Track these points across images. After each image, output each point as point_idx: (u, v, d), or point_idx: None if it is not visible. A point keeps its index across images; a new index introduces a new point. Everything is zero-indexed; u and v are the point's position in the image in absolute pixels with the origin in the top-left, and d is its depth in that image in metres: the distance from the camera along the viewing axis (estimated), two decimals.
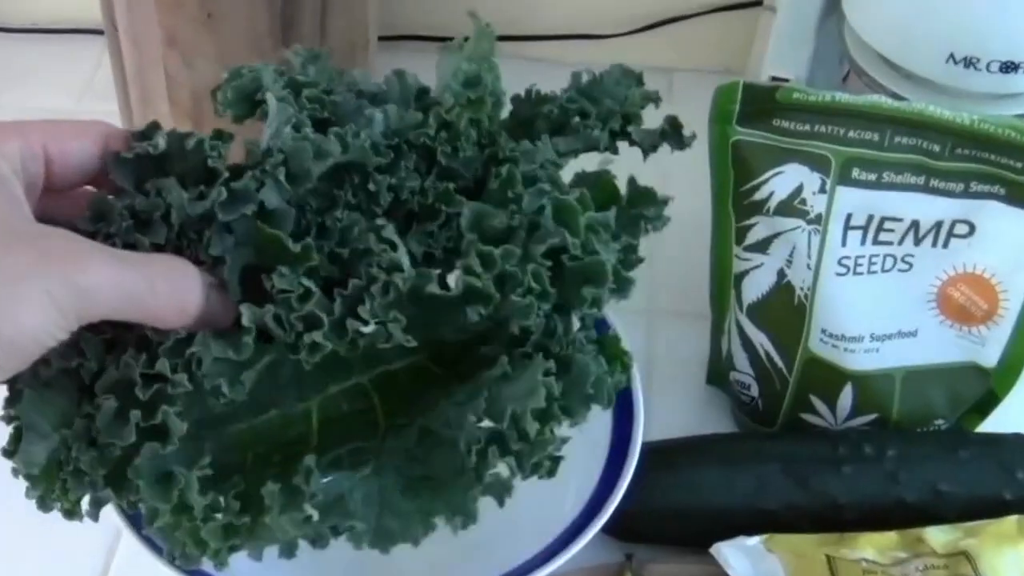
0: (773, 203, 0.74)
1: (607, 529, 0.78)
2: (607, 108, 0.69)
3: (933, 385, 0.80)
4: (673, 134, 0.70)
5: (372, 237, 0.58)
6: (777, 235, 0.76)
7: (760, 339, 0.80)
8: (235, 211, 0.56)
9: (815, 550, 0.74)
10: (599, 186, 0.64)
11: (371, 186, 0.60)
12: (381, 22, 0.97)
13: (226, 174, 0.57)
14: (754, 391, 0.83)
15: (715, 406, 0.89)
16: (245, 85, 0.63)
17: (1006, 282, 0.74)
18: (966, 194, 0.71)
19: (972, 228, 0.72)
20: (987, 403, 0.81)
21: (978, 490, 0.77)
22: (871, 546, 0.74)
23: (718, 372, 0.87)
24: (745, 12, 1.03)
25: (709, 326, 0.85)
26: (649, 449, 0.79)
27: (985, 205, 0.72)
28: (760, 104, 0.72)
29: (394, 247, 0.57)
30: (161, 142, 0.58)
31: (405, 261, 0.57)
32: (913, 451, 0.78)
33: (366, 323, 0.55)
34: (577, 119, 0.68)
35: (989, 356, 0.78)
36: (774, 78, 0.86)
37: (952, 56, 0.74)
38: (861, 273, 0.75)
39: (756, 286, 0.78)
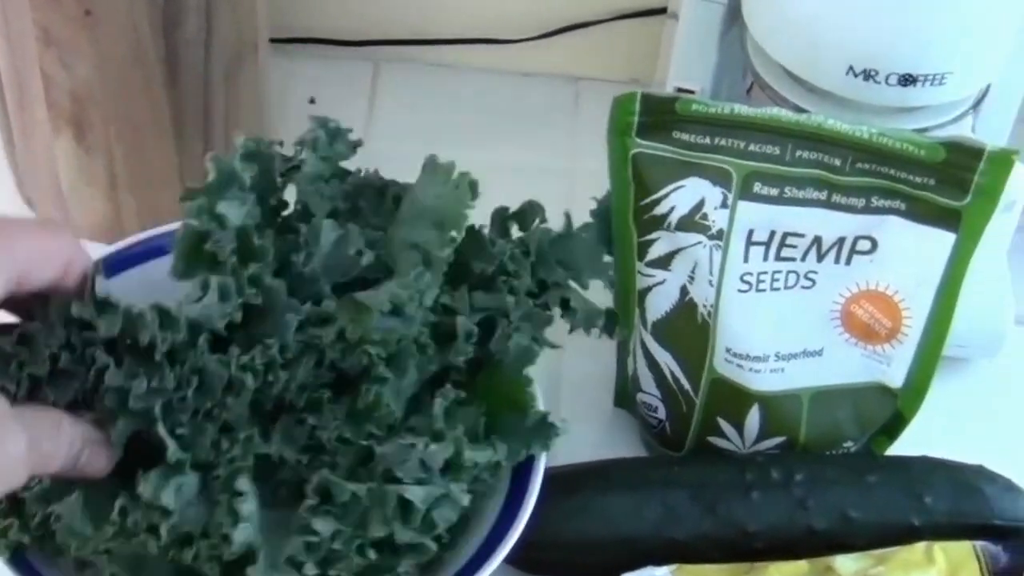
0: (674, 218, 0.72)
1: (512, 560, 0.76)
2: (554, 280, 0.73)
3: (840, 406, 0.78)
4: (608, 325, 0.74)
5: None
6: (679, 251, 0.73)
7: (665, 358, 0.78)
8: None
9: None
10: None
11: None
12: (272, 23, 0.93)
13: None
14: (661, 413, 0.81)
15: (624, 429, 0.86)
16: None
17: (909, 300, 0.72)
18: (868, 209, 0.70)
19: (874, 244, 0.71)
20: (895, 425, 0.79)
21: (887, 516, 0.75)
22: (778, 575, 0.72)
23: (625, 394, 0.84)
24: (650, 20, 1.00)
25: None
26: (553, 475, 0.77)
27: (886, 220, 0.70)
28: (660, 116, 0.70)
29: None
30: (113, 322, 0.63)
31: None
32: (821, 475, 0.76)
33: None
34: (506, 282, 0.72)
35: (895, 376, 0.76)
36: (679, 89, 0.83)
37: (852, 68, 0.71)
38: (764, 290, 0.72)
39: (659, 303, 0.76)
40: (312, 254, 0.69)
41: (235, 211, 0.67)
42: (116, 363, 0.63)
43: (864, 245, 0.71)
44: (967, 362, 0.89)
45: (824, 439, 0.79)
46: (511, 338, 0.70)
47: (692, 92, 0.83)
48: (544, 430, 0.70)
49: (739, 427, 0.78)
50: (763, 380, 0.75)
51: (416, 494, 0.64)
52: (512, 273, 0.72)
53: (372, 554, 0.65)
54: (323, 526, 0.63)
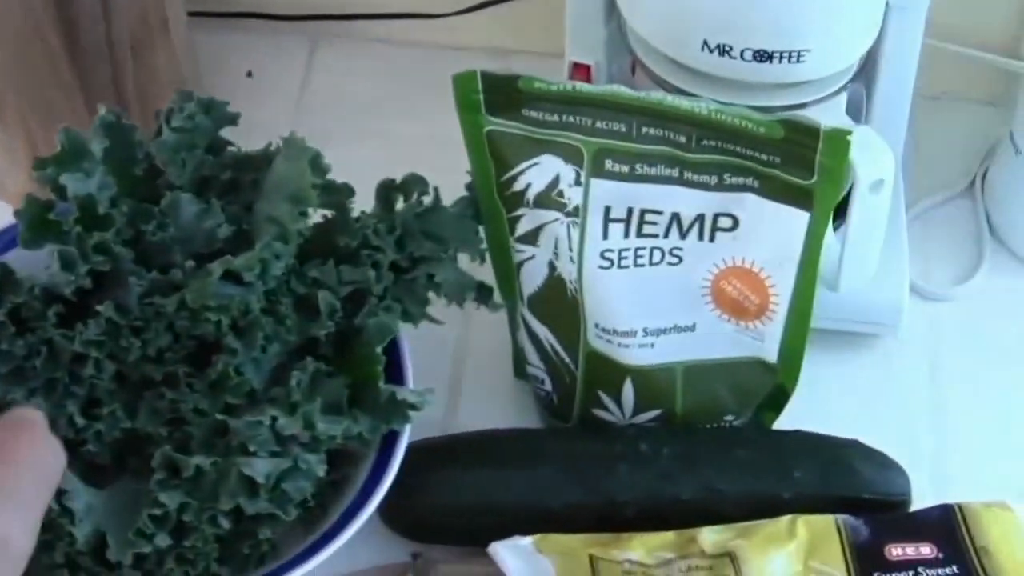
0: (531, 195, 0.73)
1: (395, 527, 0.77)
2: (420, 253, 0.74)
3: (717, 380, 0.78)
4: (483, 296, 0.76)
5: None
6: (542, 227, 0.74)
7: (543, 333, 0.79)
8: None
9: (582, 550, 0.73)
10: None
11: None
12: None
13: None
14: (548, 385, 0.82)
15: (526, 401, 0.87)
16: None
17: (774, 276, 0.72)
18: (721, 187, 0.70)
19: (736, 221, 0.71)
20: (777, 398, 0.80)
21: (755, 489, 0.75)
22: (643, 547, 0.73)
23: (520, 365, 0.85)
24: None
25: None
26: (434, 445, 0.79)
27: (743, 198, 0.70)
28: (505, 94, 0.70)
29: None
30: None
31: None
32: (691, 449, 0.77)
33: None
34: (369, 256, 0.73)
35: (770, 350, 0.76)
36: (575, 64, 0.84)
37: (706, 43, 0.71)
38: (627, 266, 0.73)
39: (532, 278, 0.77)
40: (165, 224, 0.71)
41: (79, 182, 0.69)
42: None
43: (726, 222, 0.71)
44: (871, 338, 0.88)
45: (703, 412, 0.79)
46: (372, 314, 0.72)
47: (588, 67, 0.83)
48: (396, 407, 0.71)
49: (617, 400, 0.78)
50: (633, 354, 0.75)
51: (259, 467, 0.66)
52: (375, 247, 0.73)
53: (225, 524, 0.67)
54: (169, 499, 0.65)
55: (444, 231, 0.76)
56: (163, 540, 0.66)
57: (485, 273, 0.78)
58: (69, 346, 0.67)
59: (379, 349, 0.71)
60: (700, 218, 0.71)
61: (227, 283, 0.68)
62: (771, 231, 0.71)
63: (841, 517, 0.73)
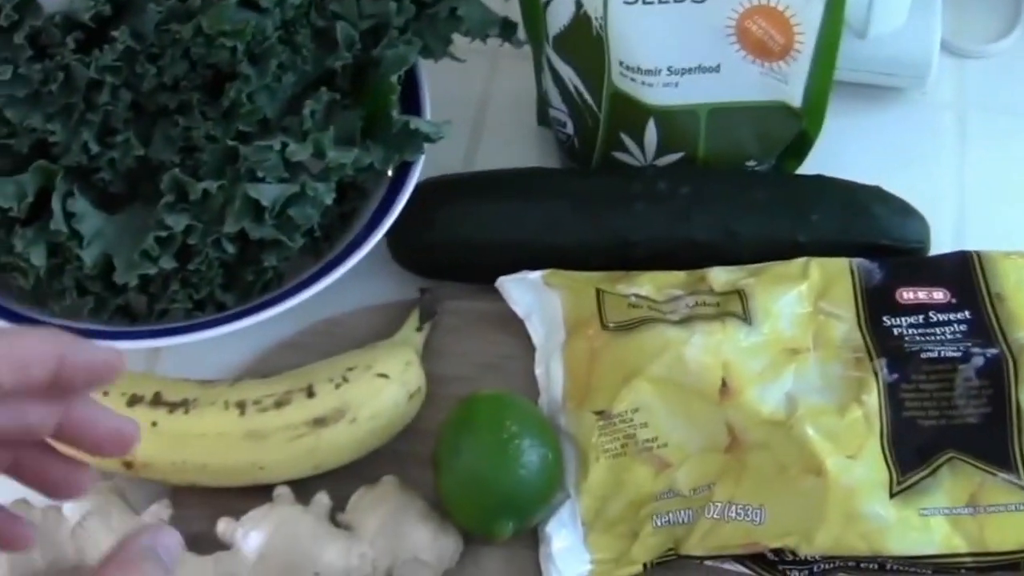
0: None
1: (404, 263, 0.78)
2: None
3: (741, 124, 0.77)
4: (506, 32, 0.76)
5: None
6: None
7: (568, 73, 0.78)
8: None
9: (589, 285, 0.74)
10: None
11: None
12: None
13: None
14: (569, 128, 0.82)
15: (547, 147, 0.87)
16: None
17: (800, 15, 0.71)
18: None
19: None
20: (801, 144, 0.79)
21: (770, 232, 0.76)
22: (652, 283, 0.74)
23: (543, 110, 0.85)
24: None
25: None
26: (449, 181, 0.79)
27: None
28: None
29: None
30: None
31: None
32: (708, 189, 0.76)
33: None
34: None
35: (794, 94, 0.75)
36: None
37: None
38: (651, 2, 0.71)
39: (558, 16, 0.76)
40: None
41: None
42: None
43: None
44: (898, 91, 0.87)
45: (725, 155, 0.79)
46: (391, 46, 0.71)
47: None
48: (411, 137, 0.71)
49: (639, 141, 0.78)
50: (657, 94, 0.75)
51: (266, 192, 0.67)
52: None
53: (230, 248, 0.68)
54: (175, 221, 0.66)
55: None
56: (167, 262, 0.68)
57: (511, 10, 0.78)
58: (86, 72, 0.67)
59: (394, 79, 0.71)
60: None
61: (244, 9, 0.67)
62: None
63: (856, 260, 0.74)
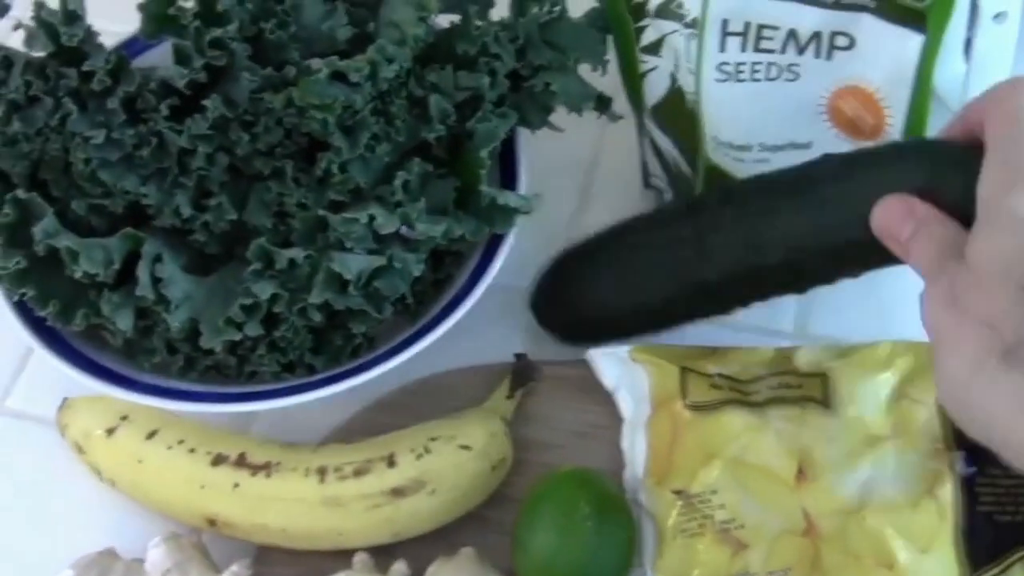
0: (652, 5, 0.72)
1: (553, 330, 0.79)
2: (541, 63, 0.75)
3: None
4: (601, 106, 0.78)
5: None
6: (664, 37, 0.73)
7: (666, 144, 0.79)
8: None
9: (675, 362, 0.74)
10: None
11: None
12: None
13: None
14: (669, 196, 0.82)
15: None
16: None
17: (889, 98, 0.70)
18: (838, 5, 0.68)
19: (852, 41, 0.69)
20: None
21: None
22: (739, 362, 0.74)
23: (647, 175, 0.85)
24: None
25: None
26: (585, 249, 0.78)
27: (859, 18, 0.68)
28: None
29: None
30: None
31: None
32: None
33: None
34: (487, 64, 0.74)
35: None
36: None
37: None
38: (744, 80, 0.72)
39: (655, 88, 0.76)
40: (286, 23, 0.72)
41: None
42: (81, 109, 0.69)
43: (842, 41, 0.69)
44: None
45: None
46: (483, 119, 0.73)
47: None
48: (499, 211, 0.72)
49: None
50: (748, 169, 0.75)
51: (351, 264, 0.68)
52: (494, 55, 0.74)
53: (317, 317, 0.70)
54: (260, 289, 0.68)
55: (567, 41, 0.76)
56: (253, 329, 0.69)
57: (607, 83, 0.78)
58: (178, 139, 0.70)
59: (484, 153, 0.72)
60: (816, 36, 0.69)
61: (336, 83, 0.69)
62: (886, 52, 0.68)
63: None
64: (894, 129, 0.71)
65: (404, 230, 0.70)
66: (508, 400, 0.75)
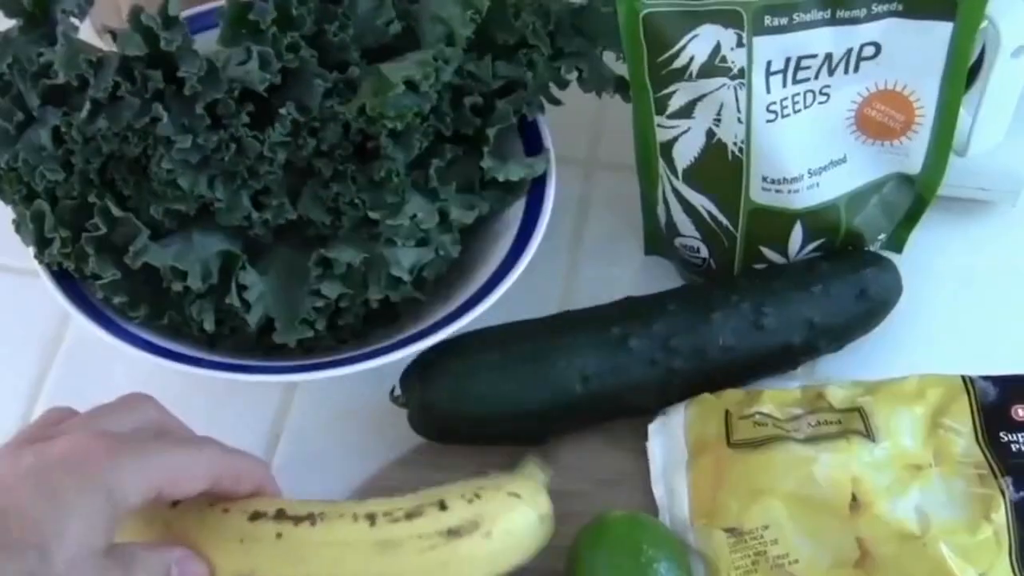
0: (695, 67, 0.74)
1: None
2: (571, 49, 0.79)
3: (871, 202, 0.81)
4: (621, 89, 0.80)
5: None
6: (701, 98, 0.76)
7: (701, 201, 0.81)
8: None
9: (720, 406, 0.76)
10: None
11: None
12: None
13: None
14: (704, 253, 0.84)
15: (658, 273, 0.89)
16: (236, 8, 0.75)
17: (918, 91, 0.75)
18: (870, 17, 0.72)
19: (878, 48, 0.73)
20: (916, 209, 0.82)
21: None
22: (773, 402, 0.76)
23: (656, 241, 0.87)
24: None
25: None
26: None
27: (887, 23, 0.72)
28: None
29: None
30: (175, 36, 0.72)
31: None
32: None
33: None
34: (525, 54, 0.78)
35: (913, 164, 0.79)
36: None
37: None
38: (788, 115, 0.75)
39: (687, 150, 0.79)
40: (347, 24, 0.76)
41: None
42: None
43: (868, 51, 0.73)
44: (989, 205, 0.89)
45: (861, 235, 0.82)
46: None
47: None
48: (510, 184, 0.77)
49: (782, 246, 0.81)
50: (803, 198, 0.78)
51: (402, 261, 0.72)
52: (532, 46, 0.78)
53: (376, 304, 0.74)
54: (330, 291, 0.72)
55: (595, 29, 0.80)
56: (322, 324, 0.73)
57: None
58: (258, 147, 0.72)
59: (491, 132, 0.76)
60: (848, 52, 0.73)
61: (408, 93, 0.72)
62: (913, 48, 0.73)
63: (971, 377, 0.75)
64: (925, 121, 0.76)
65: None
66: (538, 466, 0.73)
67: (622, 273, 0.87)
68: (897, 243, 0.84)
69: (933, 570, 0.67)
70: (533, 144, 0.82)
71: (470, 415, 0.75)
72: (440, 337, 0.73)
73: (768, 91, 0.74)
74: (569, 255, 0.89)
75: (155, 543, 0.65)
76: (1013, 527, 0.68)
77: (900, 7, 0.71)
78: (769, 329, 0.77)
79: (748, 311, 0.77)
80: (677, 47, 0.74)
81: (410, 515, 0.67)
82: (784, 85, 0.74)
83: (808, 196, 0.78)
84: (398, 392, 0.76)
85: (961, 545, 0.68)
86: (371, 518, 0.67)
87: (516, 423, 0.75)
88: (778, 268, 0.82)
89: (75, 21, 0.74)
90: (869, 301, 0.79)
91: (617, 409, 0.77)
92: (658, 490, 0.75)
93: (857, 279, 0.79)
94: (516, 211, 0.80)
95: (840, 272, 0.80)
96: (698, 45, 0.74)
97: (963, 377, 0.75)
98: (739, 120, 0.75)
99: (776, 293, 0.78)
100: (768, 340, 0.77)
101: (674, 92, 0.76)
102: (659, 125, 0.78)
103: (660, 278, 0.87)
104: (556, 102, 0.81)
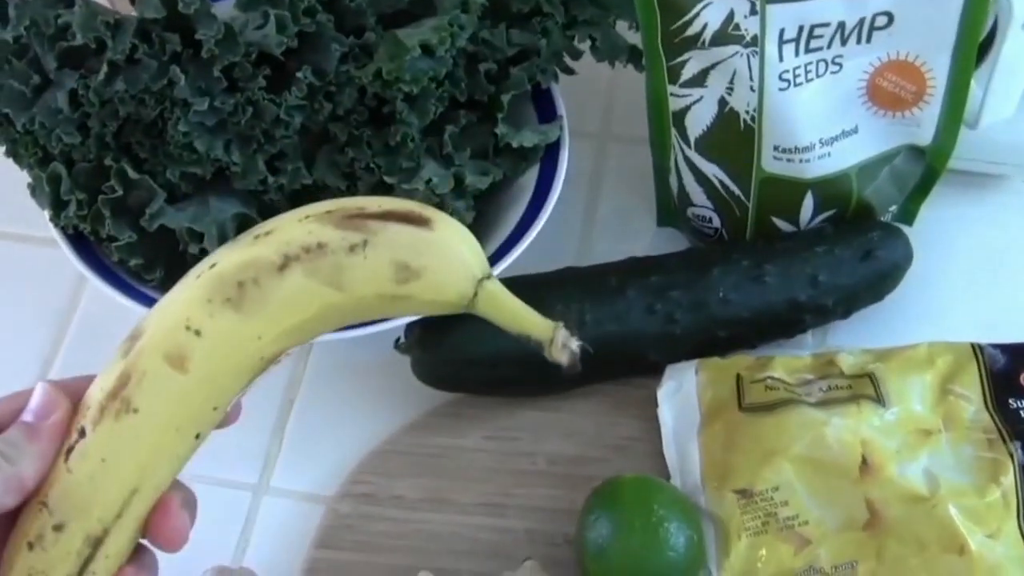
0: (708, 35, 0.75)
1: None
2: (584, 17, 0.79)
3: (881, 172, 0.81)
4: (634, 59, 0.80)
5: None
6: (714, 66, 0.76)
7: (712, 171, 0.81)
8: None
9: (732, 370, 0.77)
10: None
11: None
12: None
13: None
14: (716, 223, 0.85)
15: (670, 244, 0.89)
16: None
17: (930, 62, 0.75)
18: None
19: (891, 18, 0.73)
20: (927, 181, 0.82)
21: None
22: (784, 368, 0.76)
23: (670, 212, 0.88)
24: None
25: None
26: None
27: None
28: None
29: None
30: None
31: None
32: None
33: None
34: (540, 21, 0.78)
35: (924, 135, 0.79)
36: None
37: None
38: (800, 84, 0.75)
39: (699, 119, 0.79)
40: None
41: None
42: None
43: (881, 21, 0.73)
44: (1001, 179, 0.90)
45: (871, 206, 0.82)
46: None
47: None
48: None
49: (794, 215, 0.81)
50: (814, 168, 0.78)
51: None
52: (546, 14, 0.78)
53: None
54: None
55: None
56: None
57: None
58: (275, 110, 0.73)
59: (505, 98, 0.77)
60: (861, 21, 0.73)
61: (424, 57, 0.73)
62: (927, 18, 0.73)
63: (980, 344, 0.75)
64: (937, 91, 0.76)
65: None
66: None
67: (634, 245, 0.87)
68: (908, 215, 0.85)
69: (941, 531, 0.68)
70: (547, 112, 0.82)
71: (469, 358, 0.75)
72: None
73: (781, 59, 0.74)
74: (582, 227, 0.90)
75: None
76: (1021, 490, 0.69)
77: None
78: (772, 285, 0.78)
79: (749, 267, 0.78)
80: (691, 14, 0.74)
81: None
82: (797, 54, 0.74)
83: (819, 166, 0.78)
84: (403, 340, 0.76)
85: (969, 507, 0.68)
86: None
87: (516, 367, 0.75)
88: (785, 234, 0.83)
89: None
90: (877, 262, 0.79)
91: (622, 359, 0.77)
92: (669, 454, 0.75)
93: (863, 241, 0.80)
94: (530, 178, 0.81)
95: (845, 235, 0.80)
96: (712, 12, 0.74)
97: (972, 345, 0.76)
98: (751, 88, 0.76)
99: (779, 252, 0.79)
100: (770, 296, 0.78)
101: (687, 60, 0.77)
102: (672, 94, 0.79)
103: (672, 249, 0.87)
104: (570, 71, 0.82)
